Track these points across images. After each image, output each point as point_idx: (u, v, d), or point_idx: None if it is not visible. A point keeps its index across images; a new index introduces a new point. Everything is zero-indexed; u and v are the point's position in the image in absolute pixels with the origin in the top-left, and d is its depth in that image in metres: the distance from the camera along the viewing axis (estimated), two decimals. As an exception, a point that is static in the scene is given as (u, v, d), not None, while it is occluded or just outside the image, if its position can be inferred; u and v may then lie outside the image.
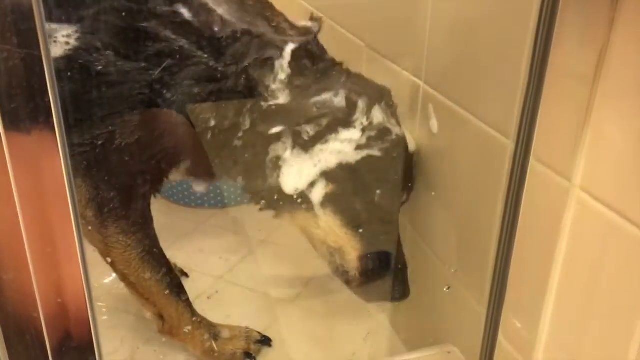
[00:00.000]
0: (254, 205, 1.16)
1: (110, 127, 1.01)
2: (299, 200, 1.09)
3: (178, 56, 1.01)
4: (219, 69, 1.03)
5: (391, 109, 1.12)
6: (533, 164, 0.83)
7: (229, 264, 1.64)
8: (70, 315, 0.64)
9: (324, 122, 1.05)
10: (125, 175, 1.08)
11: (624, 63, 0.68)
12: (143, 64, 1.00)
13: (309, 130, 1.05)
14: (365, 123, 1.07)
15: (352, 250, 1.13)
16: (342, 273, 1.16)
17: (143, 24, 0.99)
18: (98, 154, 1.03)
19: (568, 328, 0.82)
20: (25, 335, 0.62)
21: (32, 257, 0.60)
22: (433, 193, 1.14)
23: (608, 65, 0.70)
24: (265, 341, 1.36)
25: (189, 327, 1.26)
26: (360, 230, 1.10)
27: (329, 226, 1.11)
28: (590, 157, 0.74)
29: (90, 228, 1.10)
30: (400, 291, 1.20)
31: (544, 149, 0.82)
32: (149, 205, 1.15)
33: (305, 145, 1.05)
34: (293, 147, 1.05)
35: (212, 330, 1.30)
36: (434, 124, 1.10)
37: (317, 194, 1.07)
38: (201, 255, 1.66)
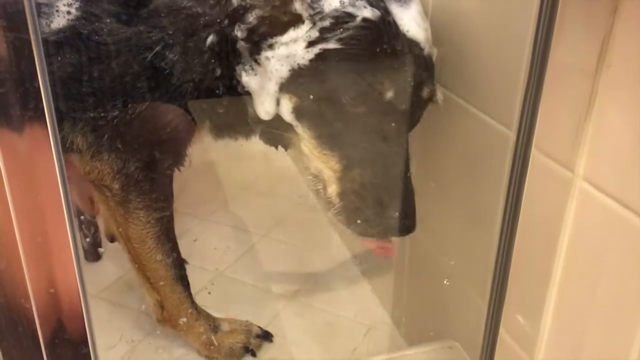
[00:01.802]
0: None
1: (123, 97, 1.02)
2: (281, 126, 1.02)
3: (172, 13, 1.00)
4: (207, 17, 1.00)
5: None
6: (535, 154, 0.82)
7: (230, 259, 1.64)
8: (63, 306, 0.63)
9: (260, 25, 0.94)
10: (149, 147, 1.09)
11: (626, 53, 0.67)
12: (142, 27, 0.99)
13: (245, 36, 0.95)
14: (312, 12, 0.92)
15: (331, 173, 1.01)
16: (325, 202, 1.04)
17: None
18: (119, 126, 1.03)
19: (570, 322, 0.81)
20: (17, 326, 0.62)
21: (24, 247, 0.59)
22: (432, 184, 1.13)
23: (610, 55, 0.69)
24: (266, 336, 1.35)
25: (189, 318, 1.26)
26: (339, 149, 0.98)
27: (308, 147, 1.01)
28: (592, 147, 0.73)
29: (113, 203, 1.12)
30: (402, 225, 1.01)
31: (545, 140, 0.81)
32: (171, 182, 1.16)
33: (256, 59, 0.96)
34: (249, 67, 0.98)
35: (212, 322, 1.30)
36: (440, 95, 1.02)
37: (286, 112, 0.98)
38: (202, 250, 1.66)
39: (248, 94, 1.01)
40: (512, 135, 0.88)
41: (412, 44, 0.96)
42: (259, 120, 1.03)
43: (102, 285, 1.50)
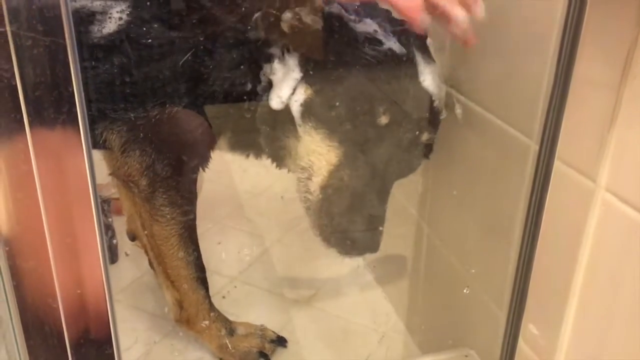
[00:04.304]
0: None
1: (162, 98, 1.05)
2: (285, 130, 1.04)
3: (214, 23, 1.04)
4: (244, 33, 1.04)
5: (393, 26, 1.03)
6: (557, 164, 0.82)
7: (244, 264, 1.64)
8: (89, 307, 0.64)
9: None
10: (178, 146, 1.12)
11: (652, 64, 0.67)
12: (186, 33, 1.03)
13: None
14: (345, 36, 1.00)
15: (325, 164, 1.02)
16: (305, 195, 1.05)
17: None
18: (153, 124, 1.07)
19: (590, 333, 0.80)
20: (44, 325, 0.62)
21: (53, 248, 0.60)
22: (455, 192, 1.13)
23: (636, 66, 0.68)
24: (281, 341, 1.35)
25: (206, 320, 1.28)
26: (339, 144, 1.01)
27: (308, 140, 1.03)
28: (615, 158, 0.73)
29: (139, 200, 1.15)
30: (365, 243, 1.03)
31: (568, 150, 0.80)
32: (195, 181, 1.19)
33: (289, 49, 1.01)
34: (280, 58, 1.03)
35: (228, 325, 1.31)
36: (459, 109, 1.07)
37: (297, 102, 1.01)
38: (216, 255, 1.66)
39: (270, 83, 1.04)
40: (533, 145, 0.88)
41: (424, 91, 1.02)
42: (265, 118, 1.06)
43: (118, 287, 1.51)
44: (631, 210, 0.71)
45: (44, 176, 0.57)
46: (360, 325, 1.44)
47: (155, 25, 1.03)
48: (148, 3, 1.03)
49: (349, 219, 1.01)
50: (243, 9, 1.05)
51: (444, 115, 1.07)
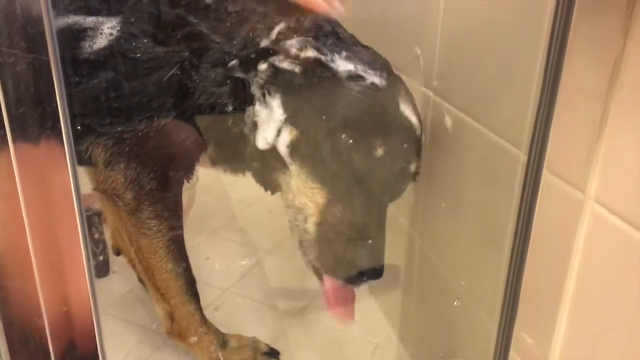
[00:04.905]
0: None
1: (149, 112, 1.06)
2: (272, 165, 1.05)
3: (200, 39, 1.05)
4: (231, 51, 1.05)
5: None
6: (546, 175, 0.82)
7: (236, 276, 1.63)
8: (76, 324, 0.63)
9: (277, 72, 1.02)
10: (163, 159, 1.13)
11: (638, 75, 0.67)
12: (174, 48, 1.05)
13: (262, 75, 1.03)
14: (326, 73, 1.01)
15: (314, 206, 1.03)
16: (301, 236, 1.06)
17: (174, 11, 1.05)
18: (140, 138, 1.08)
19: (582, 344, 0.80)
20: (29, 342, 0.62)
21: (38, 265, 0.59)
22: (443, 204, 1.13)
23: (622, 77, 0.69)
24: (273, 353, 1.35)
25: (198, 332, 1.27)
26: (325, 185, 1.01)
27: (296, 181, 1.04)
28: (604, 168, 0.73)
29: (124, 213, 1.15)
30: (370, 271, 1.03)
31: (557, 161, 0.80)
32: (181, 193, 1.19)
33: (269, 92, 1.03)
34: (262, 98, 1.03)
35: (220, 338, 1.30)
36: (449, 121, 1.08)
37: (283, 143, 1.02)
38: (208, 266, 1.65)
39: (255, 124, 1.05)
40: (522, 156, 0.88)
41: (406, 120, 1.04)
42: (254, 156, 1.07)
43: (109, 301, 1.50)
44: (620, 221, 0.71)
45: (28, 193, 0.56)
46: (353, 336, 1.44)
47: (145, 40, 1.04)
48: (138, 19, 1.04)
49: (350, 252, 1.02)
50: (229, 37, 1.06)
51: (424, 139, 1.09)
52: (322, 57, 1.01)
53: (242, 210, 1.91)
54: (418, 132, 1.05)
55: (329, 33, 1.06)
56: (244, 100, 1.06)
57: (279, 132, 1.02)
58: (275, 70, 1.01)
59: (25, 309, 0.61)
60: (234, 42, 1.05)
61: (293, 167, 1.03)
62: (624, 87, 0.69)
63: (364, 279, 1.03)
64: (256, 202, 1.91)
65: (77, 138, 1.04)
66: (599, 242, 0.75)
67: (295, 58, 1.01)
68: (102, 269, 1.57)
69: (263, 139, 1.03)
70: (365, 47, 1.09)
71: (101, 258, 1.55)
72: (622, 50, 0.68)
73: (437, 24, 1.09)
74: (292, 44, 1.01)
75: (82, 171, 1.19)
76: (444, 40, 1.08)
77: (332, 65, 1.01)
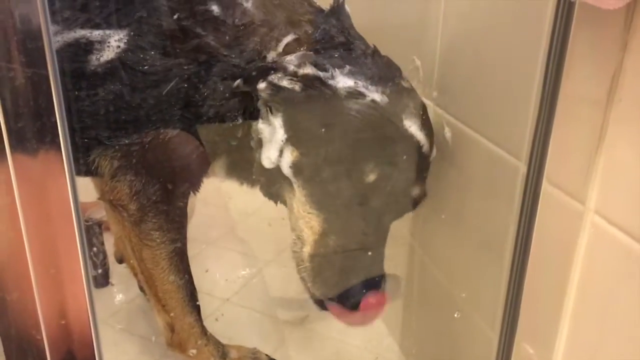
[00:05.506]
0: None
1: (156, 123, 1.06)
2: (278, 182, 1.05)
3: (208, 51, 1.05)
4: (239, 64, 1.05)
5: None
6: (546, 186, 0.82)
7: (237, 286, 1.63)
8: (74, 337, 0.63)
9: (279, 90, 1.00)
10: (169, 171, 1.12)
11: (637, 88, 0.67)
12: (182, 60, 1.04)
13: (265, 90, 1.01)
14: (326, 90, 0.98)
15: (310, 233, 1.03)
16: (299, 261, 1.06)
17: (182, 23, 1.04)
18: (146, 151, 1.07)
19: (583, 355, 0.80)
20: (27, 355, 0.62)
21: (36, 278, 0.59)
22: (443, 216, 1.13)
23: (621, 89, 0.69)
24: (273, 365, 1.34)
25: (198, 343, 1.26)
26: (323, 211, 1.01)
27: (297, 204, 1.04)
28: (604, 180, 0.73)
29: (128, 224, 1.14)
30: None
31: (557, 172, 0.80)
32: (186, 205, 1.19)
33: (272, 110, 1.02)
34: (266, 116, 1.03)
35: (221, 349, 1.29)
36: (448, 133, 1.07)
37: (285, 164, 1.02)
38: (208, 276, 1.65)
39: (260, 141, 1.05)
40: (522, 167, 0.88)
41: (410, 138, 1.01)
42: (261, 172, 1.07)
43: (109, 311, 1.49)
44: (620, 233, 0.70)
45: (27, 207, 0.56)
46: (354, 346, 1.43)
47: (152, 52, 1.03)
48: (145, 32, 1.04)
49: (345, 282, 1.02)
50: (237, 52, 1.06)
51: (434, 154, 1.06)
52: (321, 74, 0.99)
53: (242, 221, 1.91)
54: (425, 149, 1.02)
55: (339, 44, 1.05)
56: (252, 113, 1.06)
57: (281, 152, 1.02)
58: (276, 89, 1.00)
59: (23, 323, 0.61)
60: (242, 54, 1.05)
61: (296, 188, 1.03)
62: (622, 100, 0.69)
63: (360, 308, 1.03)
64: (256, 212, 1.91)
65: (85, 150, 1.06)
66: (599, 253, 0.75)
67: (294, 75, 0.99)
68: (102, 280, 1.57)
69: (267, 159, 1.04)
70: (381, 56, 1.07)
71: (100, 271, 1.55)
72: (620, 62, 0.68)
73: (437, 34, 1.09)
74: (291, 60, 1.00)
75: (83, 182, 1.19)
76: (444, 51, 1.08)
77: (331, 82, 0.99)
